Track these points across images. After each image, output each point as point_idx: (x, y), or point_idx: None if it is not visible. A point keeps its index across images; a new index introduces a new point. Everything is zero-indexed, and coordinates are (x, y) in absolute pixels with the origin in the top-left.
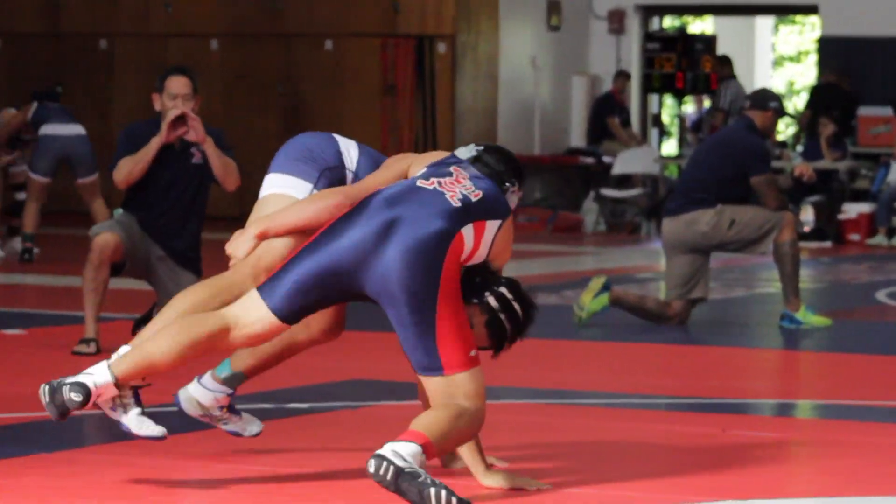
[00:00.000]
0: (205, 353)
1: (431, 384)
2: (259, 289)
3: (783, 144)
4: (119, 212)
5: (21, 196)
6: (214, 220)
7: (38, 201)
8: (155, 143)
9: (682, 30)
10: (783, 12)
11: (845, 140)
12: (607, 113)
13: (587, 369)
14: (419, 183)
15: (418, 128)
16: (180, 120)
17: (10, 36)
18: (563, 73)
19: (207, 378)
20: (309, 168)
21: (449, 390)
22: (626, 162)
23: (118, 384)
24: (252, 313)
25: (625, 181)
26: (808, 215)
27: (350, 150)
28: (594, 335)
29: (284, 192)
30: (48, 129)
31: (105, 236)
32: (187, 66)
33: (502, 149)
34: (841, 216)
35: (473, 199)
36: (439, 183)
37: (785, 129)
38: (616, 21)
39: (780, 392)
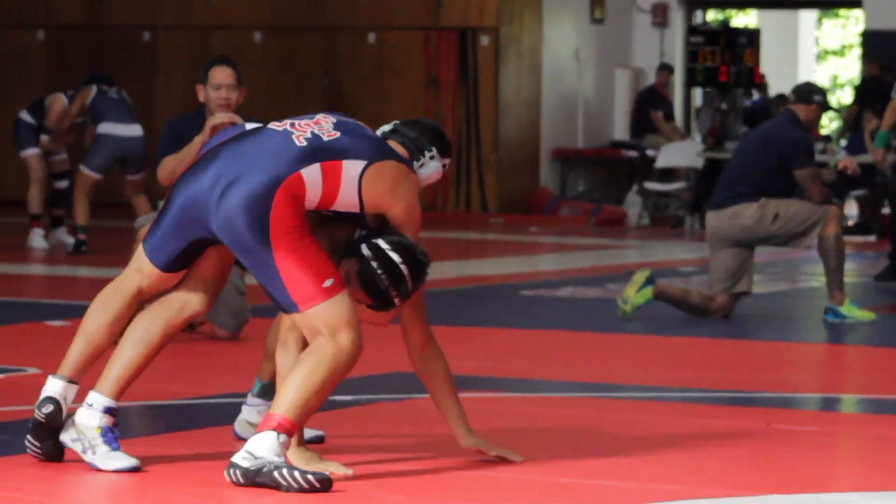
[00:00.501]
0: (127, 318)
1: (297, 323)
2: (143, 242)
3: (827, 139)
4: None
5: (62, 184)
6: None
7: (89, 196)
8: (197, 142)
9: (725, 23)
10: (827, 6)
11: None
12: (650, 106)
13: (631, 363)
14: (272, 125)
15: (461, 121)
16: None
17: (53, 28)
18: (607, 66)
19: (248, 398)
20: None
21: (310, 325)
22: (669, 155)
23: (73, 381)
24: (144, 267)
25: (668, 174)
26: (851, 209)
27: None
28: (638, 329)
29: None
30: (108, 129)
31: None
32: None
33: (422, 119)
34: (885, 210)
35: (325, 139)
36: (291, 124)
37: (829, 124)
38: (660, 14)
39: (825, 386)
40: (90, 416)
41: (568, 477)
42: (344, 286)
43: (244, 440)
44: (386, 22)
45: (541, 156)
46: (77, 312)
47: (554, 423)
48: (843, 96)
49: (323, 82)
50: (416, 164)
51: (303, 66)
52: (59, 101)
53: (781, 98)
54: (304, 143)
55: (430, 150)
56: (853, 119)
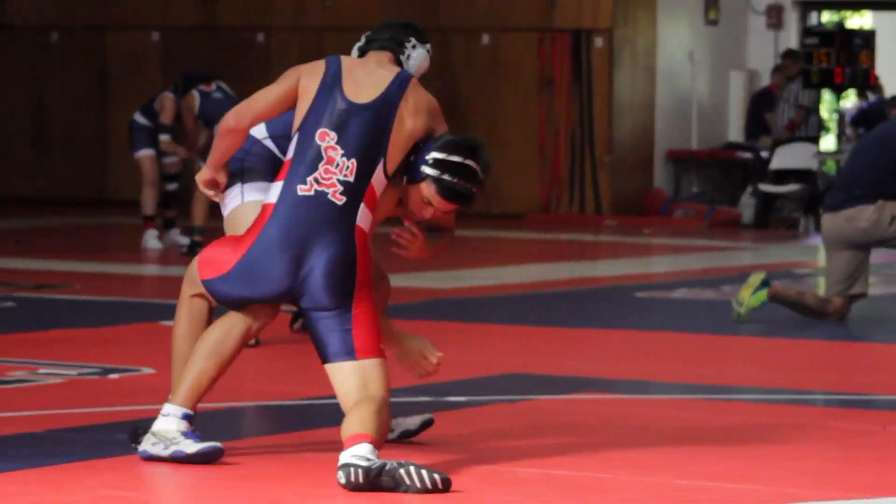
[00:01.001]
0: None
1: (344, 371)
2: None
3: None
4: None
5: (171, 187)
6: None
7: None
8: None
9: (840, 25)
10: None
11: None
12: (765, 108)
13: (745, 365)
14: (300, 192)
15: (575, 123)
16: None
17: (167, 29)
18: (721, 67)
19: None
20: (231, 170)
21: (360, 375)
22: (783, 157)
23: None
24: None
25: (782, 176)
26: None
27: None
28: (752, 331)
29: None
30: None
31: None
32: None
33: (391, 21)
34: None
35: (352, 180)
36: (316, 181)
37: None
38: (774, 16)
39: None
40: (168, 423)
41: (682, 479)
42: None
43: None
44: (500, 23)
45: (655, 157)
46: None
47: (667, 426)
48: None
49: (435, 83)
50: (402, 58)
51: None
52: (168, 99)
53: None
54: (343, 200)
55: (409, 41)
56: None
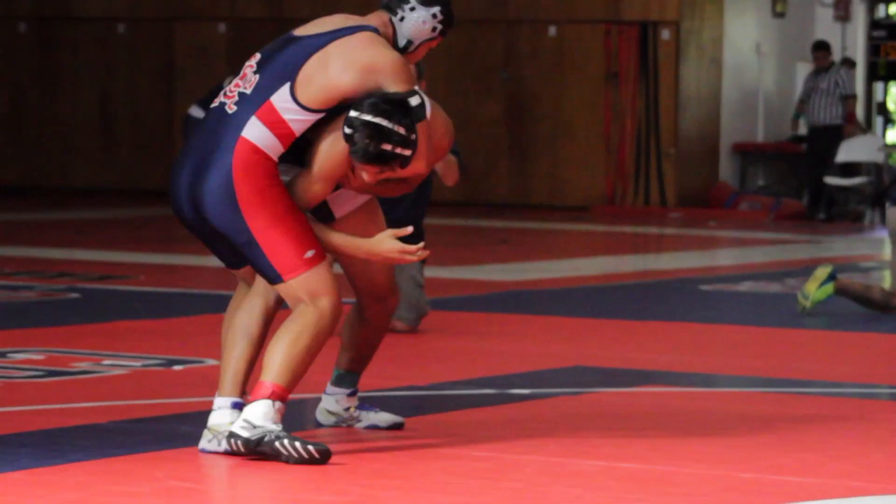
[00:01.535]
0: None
1: (281, 293)
2: None
3: None
4: None
5: None
6: (440, 205)
7: None
8: None
9: None
10: None
11: None
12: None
13: (810, 359)
14: (211, 106)
15: (641, 115)
16: None
17: (234, 21)
18: (788, 60)
19: (327, 387)
20: None
21: (293, 294)
22: (850, 150)
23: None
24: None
25: (849, 169)
26: None
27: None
28: (818, 324)
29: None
30: None
31: None
32: None
33: None
34: None
35: (249, 91)
36: (224, 94)
37: None
38: (842, 8)
39: None
40: (221, 416)
41: (747, 472)
42: (324, 256)
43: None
44: (567, 15)
45: (720, 150)
46: None
47: (731, 419)
48: None
49: (502, 75)
50: (395, 19)
51: (483, 59)
52: None
53: None
54: (235, 109)
55: (407, 2)
56: None
